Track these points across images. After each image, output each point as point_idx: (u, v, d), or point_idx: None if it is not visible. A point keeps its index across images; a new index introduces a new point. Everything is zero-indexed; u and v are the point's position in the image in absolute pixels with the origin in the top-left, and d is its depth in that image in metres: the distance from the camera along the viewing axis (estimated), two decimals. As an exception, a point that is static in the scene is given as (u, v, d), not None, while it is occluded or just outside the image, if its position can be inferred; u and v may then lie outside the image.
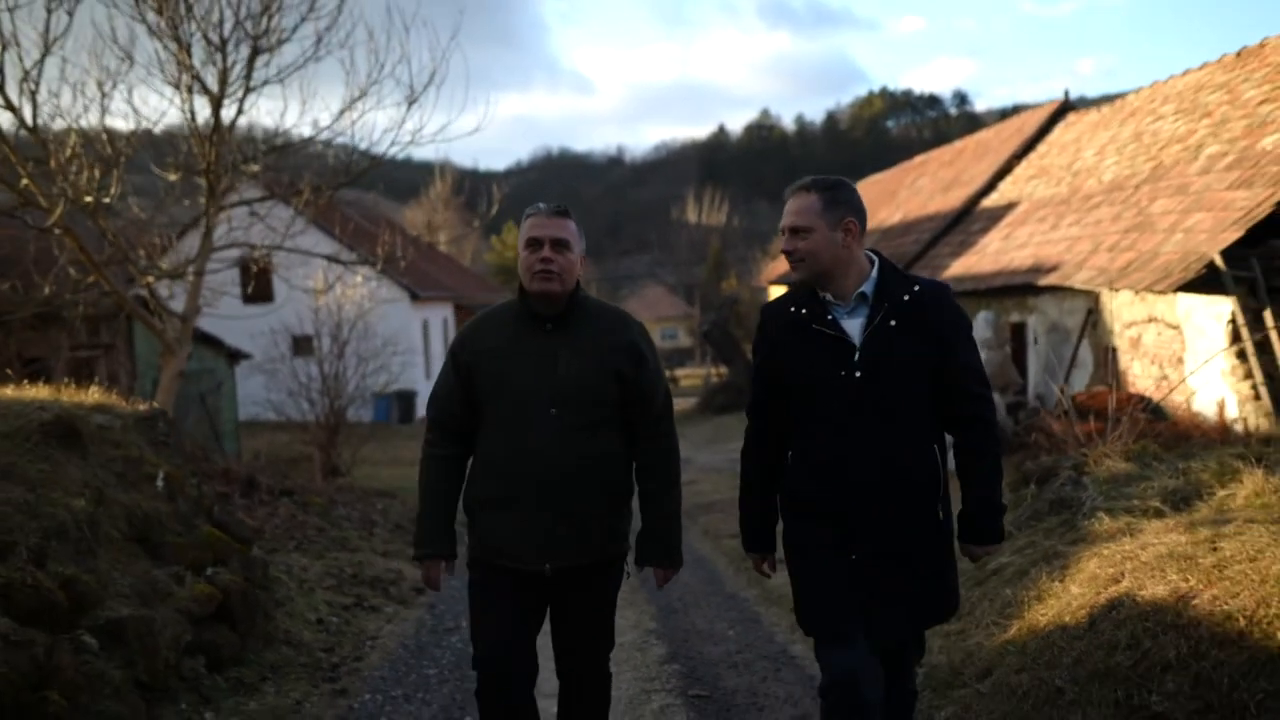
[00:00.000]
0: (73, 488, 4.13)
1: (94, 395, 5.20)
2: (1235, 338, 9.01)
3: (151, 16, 8.91)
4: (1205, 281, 9.02)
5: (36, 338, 10.86)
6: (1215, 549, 3.28)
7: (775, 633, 5.44)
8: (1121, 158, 13.77)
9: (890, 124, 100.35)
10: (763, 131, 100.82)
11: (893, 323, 2.71)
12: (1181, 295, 9.61)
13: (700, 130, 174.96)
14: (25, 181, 8.13)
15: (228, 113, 9.54)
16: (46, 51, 8.31)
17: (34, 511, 3.80)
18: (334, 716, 4.29)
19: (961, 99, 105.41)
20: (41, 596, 3.49)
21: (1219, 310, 9.22)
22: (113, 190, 8.38)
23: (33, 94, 8.36)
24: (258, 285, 16.24)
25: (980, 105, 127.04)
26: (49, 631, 3.39)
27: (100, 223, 8.32)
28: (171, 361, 9.60)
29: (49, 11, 8.25)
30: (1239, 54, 12.69)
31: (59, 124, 8.84)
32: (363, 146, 11.06)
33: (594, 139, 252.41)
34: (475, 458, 3.06)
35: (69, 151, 8.00)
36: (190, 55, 8.95)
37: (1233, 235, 8.90)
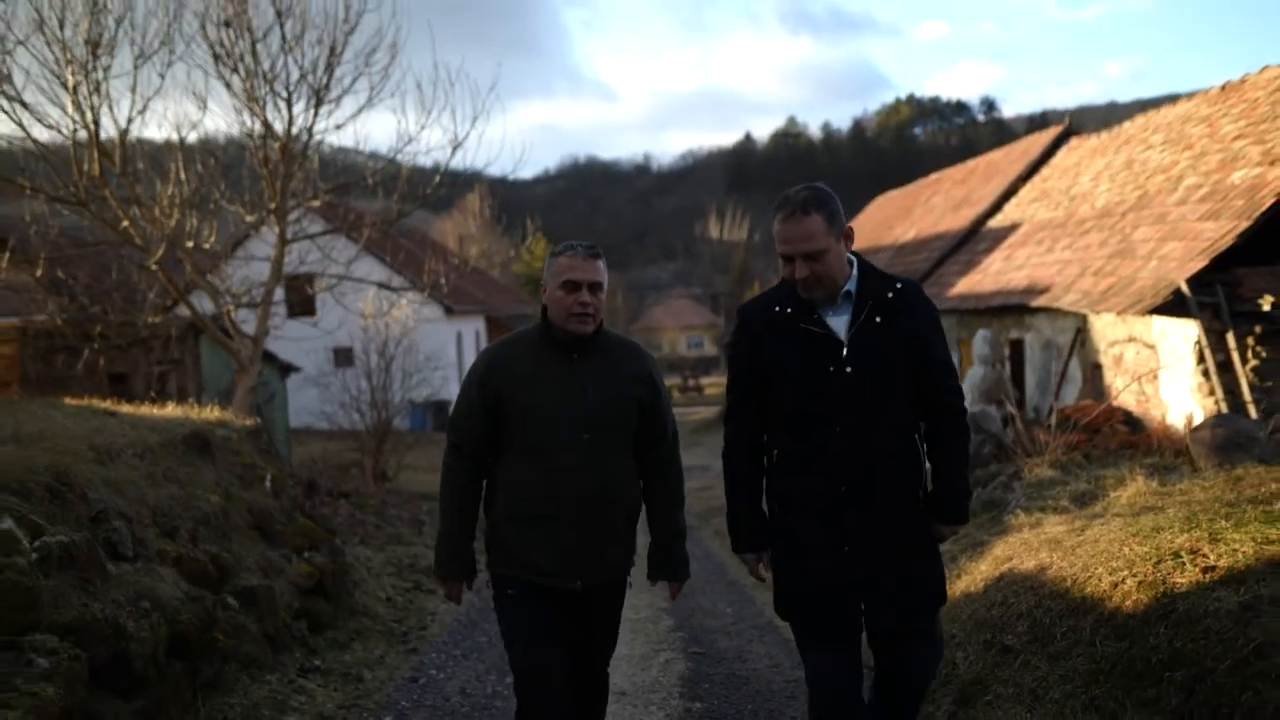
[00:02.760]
0: (209, 486, 5.32)
1: (215, 412, 6.41)
2: (1201, 358, 9.95)
3: (229, 75, 10.17)
4: (1174, 305, 9.96)
5: (120, 356, 12.13)
6: (1080, 535, 4.33)
7: (765, 610, 6.54)
8: (1113, 185, 14.63)
9: (918, 131, 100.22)
10: (789, 139, 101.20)
11: (878, 319, 2.78)
12: (1156, 318, 10.54)
13: (726, 138, 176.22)
14: (125, 224, 9.42)
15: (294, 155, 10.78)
16: (139, 109, 9.58)
17: (186, 504, 4.98)
18: (410, 666, 5.46)
19: (989, 105, 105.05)
20: (200, 567, 4.67)
21: (1188, 332, 10.14)
22: (211, 238, 9.64)
23: (123, 143, 9.63)
24: (301, 301, 17.64)
25: (1008, 111, 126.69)
26: (210, 592, 4.57)
27: (190, 261, 9.58)
28: (244, 378, 10.83)
29: (135, 67, 9.50)
30: (1223, 88, 13.55)
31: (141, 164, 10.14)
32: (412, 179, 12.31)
33: (620, 147, 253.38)
34: (500, 479, 3.12)
35: (165, 200, 9.26)
36: (264, 110, 10.19)
37: (1198, 264, 9.82)
